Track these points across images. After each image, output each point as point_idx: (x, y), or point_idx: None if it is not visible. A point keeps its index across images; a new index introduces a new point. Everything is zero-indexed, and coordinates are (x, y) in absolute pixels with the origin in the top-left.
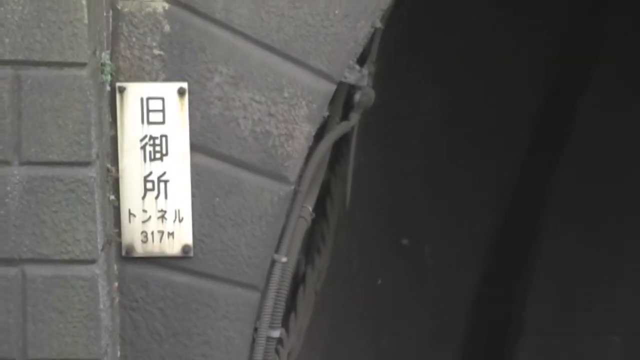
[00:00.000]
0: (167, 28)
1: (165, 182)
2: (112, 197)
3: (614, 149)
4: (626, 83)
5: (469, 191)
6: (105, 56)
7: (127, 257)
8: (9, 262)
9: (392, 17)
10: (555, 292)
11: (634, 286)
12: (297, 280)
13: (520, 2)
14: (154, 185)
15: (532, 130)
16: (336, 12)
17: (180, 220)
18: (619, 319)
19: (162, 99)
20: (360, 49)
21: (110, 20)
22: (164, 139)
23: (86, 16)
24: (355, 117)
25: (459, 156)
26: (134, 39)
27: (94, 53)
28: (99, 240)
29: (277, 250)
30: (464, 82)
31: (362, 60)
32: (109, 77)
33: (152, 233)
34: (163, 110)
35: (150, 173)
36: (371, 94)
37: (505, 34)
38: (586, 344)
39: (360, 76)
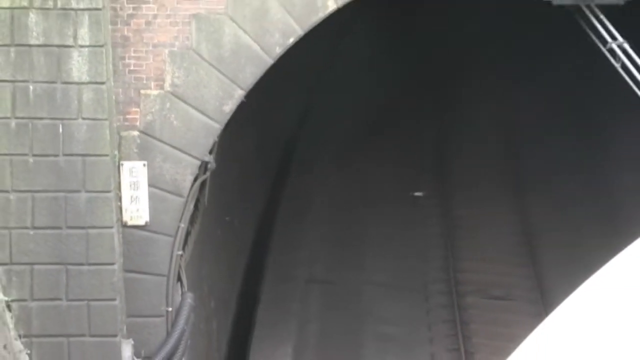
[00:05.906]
0: (138, 141)
1: (139, 198)
2: (119, 203)
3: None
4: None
5: (253, 195)
6: (116, 152)
7: (125, 226)
8: (81, 227)
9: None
10: (284, 232)
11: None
12: (188, 233)
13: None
14: (134, 199)
15: (276, 172)
16: (202, 135)
17: (144, 212)
18: (306, 243)
19: (138, 168)
20: (210, 147)
21: (118, 138)
22: (138, 182)
23: (108, 139)
24: (208, 173)
25: (251, 179)
26: (127, 146)
27: (112, 150)
28: (114, 219)
29: (180, 221)
30: (252, 154)
31: (211, 152)
32: (117, 159)
33: (134, 217)
34: (138, 172)
35: (132, 195)
36: (214, 164)
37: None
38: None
39: (210, 158)
